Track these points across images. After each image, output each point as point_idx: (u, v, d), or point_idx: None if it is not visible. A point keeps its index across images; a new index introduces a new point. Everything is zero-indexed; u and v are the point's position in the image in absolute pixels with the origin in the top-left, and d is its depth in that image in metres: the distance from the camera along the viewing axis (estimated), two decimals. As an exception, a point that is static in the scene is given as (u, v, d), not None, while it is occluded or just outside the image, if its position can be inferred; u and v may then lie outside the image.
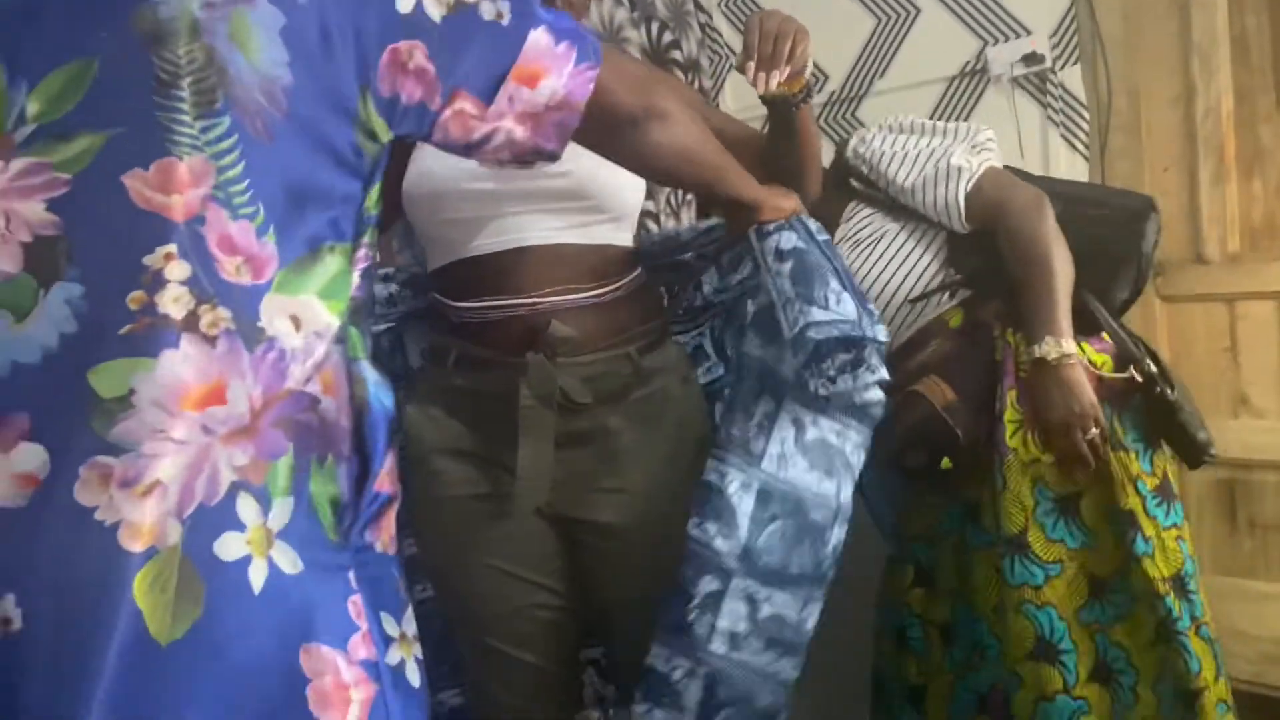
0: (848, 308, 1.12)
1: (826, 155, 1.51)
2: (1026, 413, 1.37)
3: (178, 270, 0.72)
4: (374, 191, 0.85)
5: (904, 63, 2.32)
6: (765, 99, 1.30)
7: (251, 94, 0.75)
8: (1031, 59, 2.09)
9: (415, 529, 1.25)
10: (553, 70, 0.87)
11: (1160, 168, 2.03)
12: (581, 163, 1.11)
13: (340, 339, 0.81)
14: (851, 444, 1.14)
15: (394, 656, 0.81)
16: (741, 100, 2.43)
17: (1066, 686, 1.33)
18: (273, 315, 0.76)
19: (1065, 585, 1.35)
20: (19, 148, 0.73)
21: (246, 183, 0.75)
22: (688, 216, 2.34)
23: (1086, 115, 2.07)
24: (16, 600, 0.67)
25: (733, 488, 1.12)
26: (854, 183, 1.57)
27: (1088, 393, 1.33)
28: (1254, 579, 1.97)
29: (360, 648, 0.77)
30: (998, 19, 2.17)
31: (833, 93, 2.39)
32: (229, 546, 0.71)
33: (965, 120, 2.22)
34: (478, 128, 0.87)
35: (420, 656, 0.86)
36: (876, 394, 1.13)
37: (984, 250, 1.45)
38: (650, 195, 2.02)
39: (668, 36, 2.42)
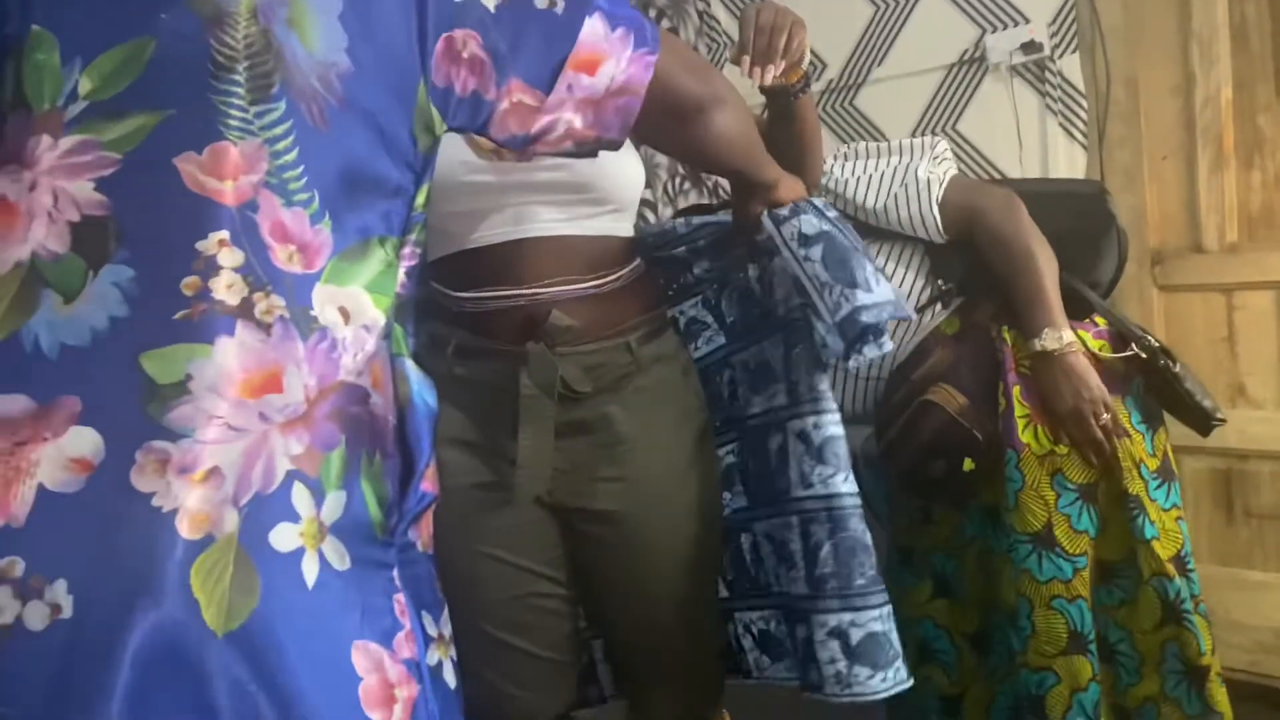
0: (885, 289, 1.13)
1: (826, 146, 1.50)
2: (1034, 407, 1.37)
3: (231, 257, 0.71)
4: (426, 187, 0.84)
5: (902, 51, 2.31)
6: (764, 89, 1.29)
7: (308, 80, 0.74)
8: (1030, 47, 2.09)
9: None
10: (611, 56, 0.86)
11: (1159, 157, 2.03)
12: (583, 154, 1.10)
13: (386, 335, 0.80)
14: None
15: (433, 657, 0.80)
16: (740, 87, 2.42)
17: (1094, 673, 1.34)
18: (324, 305, 0.75)
19: (1087, 575, 1.35)
20: (68, 125, 0.72)
21: (301, 169, 0.74)
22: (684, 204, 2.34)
23: (1085, 104, 2.07)
24: (68, 587, 0.65)
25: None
26: None
27: (1094, 377, 1.34)
28: (1250, 568, 1.99)
29: (404, 646, 0.76)
30: (996, 7, 2.16)
31: (831, 81, 2.39)
32: (284, 537, 0.70)
33: (964, 109, 2.22)
34: (537, 119, 0.85)
35: (455, 658, 0.85)
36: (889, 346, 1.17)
37: (965, 256, 1.46)
38: (648, 184, 2.01)
39: (665, 24, 2.41)
